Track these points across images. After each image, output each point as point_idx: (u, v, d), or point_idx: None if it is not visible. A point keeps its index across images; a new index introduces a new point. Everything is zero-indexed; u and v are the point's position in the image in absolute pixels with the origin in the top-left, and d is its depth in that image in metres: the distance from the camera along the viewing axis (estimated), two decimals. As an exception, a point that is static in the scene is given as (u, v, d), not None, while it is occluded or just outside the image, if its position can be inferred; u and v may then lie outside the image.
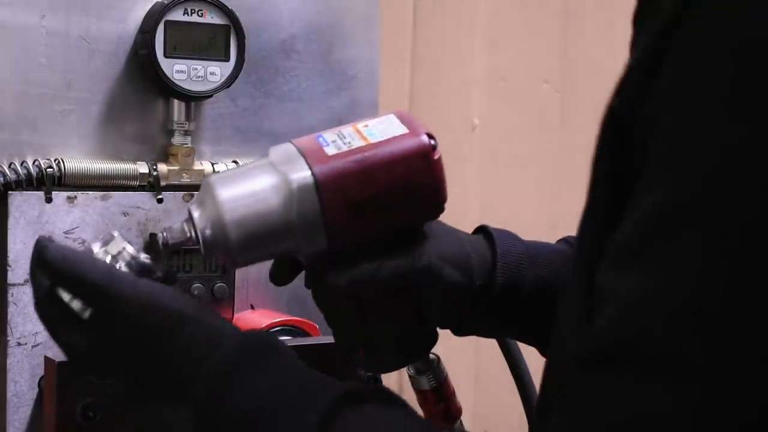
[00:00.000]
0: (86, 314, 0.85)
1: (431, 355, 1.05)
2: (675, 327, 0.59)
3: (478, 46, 1.98)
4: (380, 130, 0.93)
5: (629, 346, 0.61)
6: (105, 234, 0.90)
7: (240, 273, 1.26)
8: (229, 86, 1.24)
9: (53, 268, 0.84)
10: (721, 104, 0.60)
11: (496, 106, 2.00)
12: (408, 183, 0.91)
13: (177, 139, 1.24)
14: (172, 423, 1.01)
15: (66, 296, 0.85)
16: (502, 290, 0.97)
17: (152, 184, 1.23)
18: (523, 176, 2.04)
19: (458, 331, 1.02)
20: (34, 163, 1.18)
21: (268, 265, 1.00)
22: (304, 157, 0.90)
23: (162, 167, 1.24)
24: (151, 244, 0.94)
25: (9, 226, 1.16)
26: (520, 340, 1.12)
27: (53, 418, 1.07)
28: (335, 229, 0.89)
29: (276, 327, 1.23)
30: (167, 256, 0.93)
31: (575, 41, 2.05)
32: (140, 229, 1.22)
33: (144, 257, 0.88)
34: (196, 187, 1.25)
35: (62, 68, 1.20)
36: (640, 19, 0.72)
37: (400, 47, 1.90)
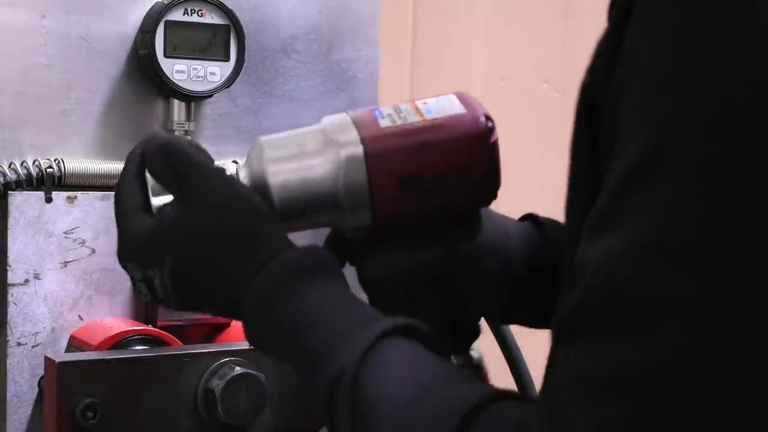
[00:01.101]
0: (161, 200, 0.86)
1: (474, 353, 1.02)
2: (648, 270, 0.59)
3: (478, 46, 1.98)
4: (438, 109, 0.91)
5: (603, 307, 0.60)
6: None
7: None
8: (229, 86, 1.24)
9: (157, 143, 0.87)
10: (675, 58, 0.61)
11: (496, 106, 2.00)
12: (461, 165, 0.88)
13: (177, 139, 1.24)
14: (172, 423, 1.01)
15: (150, 181, 0.87)
16: (548, 279, 0.95)
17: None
18: (523, 176, 2.04)
19: (503, 320, 1.00)
20: (34, 163, 1.18)
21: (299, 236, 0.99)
22: (356, 127, 0.88)
23: (162, 167, 1.24)
24: None
25: (9, 226, 1.16)
26: None
27: (53, 418, 1.07)
28: (381, 205, 0.87)
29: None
30: None
31: (575, 41, 2.05)
32: (140, 229, 1.22)
33: None
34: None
35: (62, 68, 1.20)
36: (609, 12, 0.74)
37: (400, 47, 1.90)
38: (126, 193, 0.88)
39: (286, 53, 1.31)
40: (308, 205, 0.88)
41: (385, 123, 0.88)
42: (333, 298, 0.80)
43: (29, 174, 1.17)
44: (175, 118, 1.24)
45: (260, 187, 0.87)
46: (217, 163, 1.20)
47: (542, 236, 0.98)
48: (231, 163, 1.28)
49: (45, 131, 1.19)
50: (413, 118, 0.89)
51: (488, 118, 0.90)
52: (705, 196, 0.58)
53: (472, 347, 1.01)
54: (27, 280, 1.16)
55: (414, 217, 0.89)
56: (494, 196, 0.92)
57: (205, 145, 1.27)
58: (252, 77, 1.29)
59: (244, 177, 0.88)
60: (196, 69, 1.22)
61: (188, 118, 1.24)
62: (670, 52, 0.61)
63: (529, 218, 1.00)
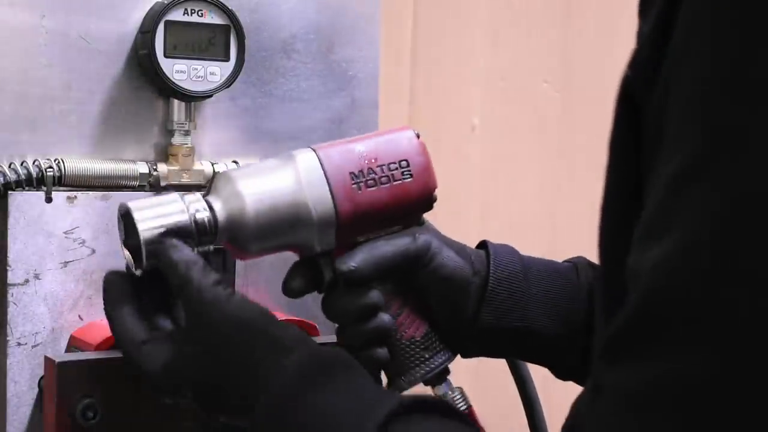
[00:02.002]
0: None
1: (454, 387, 1.09)
2: (706, 275, 0.56)
3: (478, 46, 1.98)
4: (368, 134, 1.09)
5: (665, 314, 0.57)
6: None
7: (240, 274, 1.26)
8: (229, 86, 1.24)
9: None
10: (734, 51, 0.58)
11: (496, 106, 2.00)
12: (400, 159, 1.04)
13: (177, 139, 1.24)
14: (172, 423, 1.02)
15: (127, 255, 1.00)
16: (495, 286, 1.04)
17: (152, 184, 1.23)
18: (523, 176, 2.04)
19: (465, 353, 1.05)
20: (34, 163, 1.18)
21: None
22: (309, 147, 1.04)
23: (162, 167, 1.24)
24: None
25: (9, 226, 1.16)
26: (520, 356, 1.13)
27: (53, 418, 1.07)
28: (341, 200, 1.01)
29: None
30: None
31: (575, 41, 2.05)
32: (140, 229, 1.22)
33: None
34: (196, 188, 1.25)
35: (62, 68, 1.20)
36: (644, 7, 0.71)
37: (400, 47, 1.90)
38: (125, 331, 0.97)
39: (286, 53, 1.31)
40: (281, 215, 1.00)
41: (329, 143, 1.06)
42: (331, 407, 0.83)
43: (29, 174, 1.17)
44: (175, 118, 1.24)
45: (237, 211, 0.99)
46: (218, 162, 1.21)
47: (487, 252, 1.08)
48: (231, 163, 1.28)
49: (45, 131, 1.19)
50: (348, 138, 1.07)
51: (413, 129, 1.09)
52: (756, 199, 0.56)
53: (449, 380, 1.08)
54: (27, 280, 1.16)
55: (371, 215, 1.02)
56: (433, 194, 1.06)
57: (205, 145, 1.27)
58: (252, 77, 1.29)
59: (219, 209, 0.99)
60: (196, 69, 1.22)
61: (188, 118, 1.24)
62: (724, 53, 0.58)
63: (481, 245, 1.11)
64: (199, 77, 1.23)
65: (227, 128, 1.29)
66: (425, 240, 1.04)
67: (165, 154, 1.25)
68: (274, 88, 1.31)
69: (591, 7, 2.04)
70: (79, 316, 1.19)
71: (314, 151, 1.03)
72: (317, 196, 1.00)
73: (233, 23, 1.24)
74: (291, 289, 1.04)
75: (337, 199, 1.01)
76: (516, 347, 1.08)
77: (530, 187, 2.04)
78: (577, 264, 1.10)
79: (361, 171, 1.03)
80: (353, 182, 1.02)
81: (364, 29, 1.36)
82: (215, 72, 1.23)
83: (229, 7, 1.23)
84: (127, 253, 1.02)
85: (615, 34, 2.08)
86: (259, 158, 1.30)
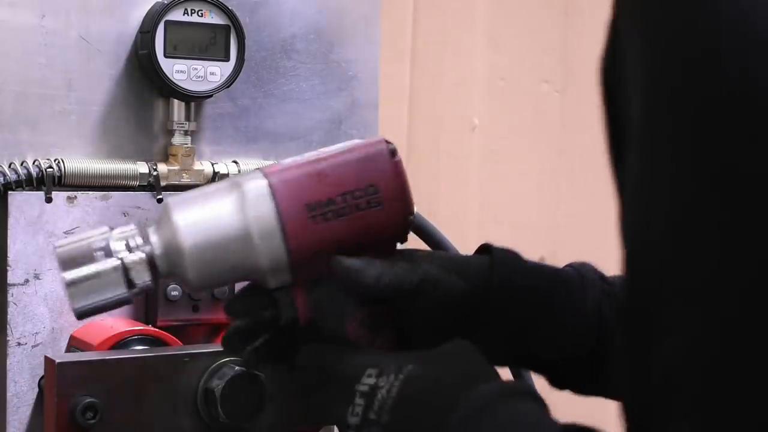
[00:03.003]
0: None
1: None
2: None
3: (478, 46, 1.98)
4: (339, 146, 0.91)
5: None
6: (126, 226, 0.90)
7: (240, 273, 1.26)
8: (229, 86, 1.24)
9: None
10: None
11: (496, 106, 2.00)
12: (368, 184, 0.88)
13: (177, 139, 1.24)
14: (172, 423, 1.01)
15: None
16: (499, 294, 0.94)
17: (152, 184, 1.23)
18: (523, 176, 2.04)
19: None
20: (34, 163, 1.18)
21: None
22: (259, 170, 0.89)
23: (162, 167, 1.24)
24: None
25: (9, 226, 1.15)
26: (519, 364, 1.10)
27: (53, 418, 1.07)
28: (293, 236, 0.87)
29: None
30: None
31: (575, 41, 2.05)
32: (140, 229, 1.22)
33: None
34: (196, 188, 1.25)
35: (62, 68, 1.20)
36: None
37: (400, 47, 1.90)
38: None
39: (286, 53, 1.31)
40: (222, 251, 0.87)
41: (286, 163, 0.90)
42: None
43: (29, 174, 1.17)
44: (175, 118, 1.24)
45: (173, 245, 0.87)
46: (218, 162, 1.21)
47: (491, 255, 0.95)
48: (231, 163, 1.28)
49: (45, 131, 1.19)
50: (315, 155, 0.90)
51: (388, 142, 0.90)
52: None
53: None
54: (27, 280, 1.16)
55: (330, 251, 0.88)
56: (409, 221, 0.91)
57: (206, 144, 1.27)
58: (252, 77, 1.29)
59: (155, 241, 0.88)
60: (196, 69, 1.22)
61: (188, 118, 1.24)
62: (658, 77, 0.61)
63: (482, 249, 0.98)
64: (199, 77, 1.23)
65: (227, 128, 1.29)
66: (426, 270, 0.91)
67: (165, 154, 1.25)
68: (274, 88, 1.31)
69: (591, 6, 2.03)
70: (79, 316, 1.19)
71: (265, 177, 0.88)
72: (264, 231, 0.86)
73: (233, 23, 1.24)
74: (234, 311, 0.92)
75: (288, 234, 0.87)
76: (511, 364, 1.06)
77: (530, 187, 2.04)
78: (584, 276, 1.04)
79: (318, 201, 0.87)
80: (309, 215, 0.87)
81: (364, 29, 1.36)
82: (215, 72, 1.23)
83: (229, 7, 1.23)
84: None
85: (615, 34, 2.08)
86: (259, 158, 1.30)
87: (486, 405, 0.79)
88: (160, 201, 1.23)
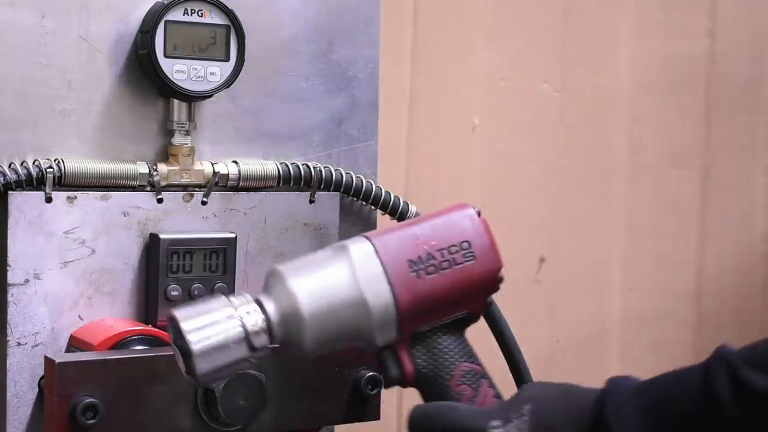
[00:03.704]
0: None
1: None
2: None
3: (478, 46, 1.98)
4: (429, 214, 1.01)
5: None
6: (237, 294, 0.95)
7: (240, 273, 1.26)
8: (229, 86, 1.24)
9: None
10: None
11: (496, 106, 2.00)
12: (462, 240, 0.98)
13: (177, 139, 1.24)
14: (172, 423, 1.01)
15: None
16: None
17: (152, 184, 1.23)
18: (523, 176, 2.04)
19: None
20: (34, 163, 1.18)
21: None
22: (362, 235, 0.97)
23: (162, 167, 1.24)
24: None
25: (9, 226, 1.15)
26: None
27: (53, 418, 1.07)
28: (400, 291, 0.94)
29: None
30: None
31: (575, 41, 2.05)
32: (140, 229, 1.22)
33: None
34: (196, 187, 1.25)
35: (62, 68, 1.20)
36: None
37: (400, 47, 1.90)
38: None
39: (286, 53, 1.31)
40: (338, 314, 0.94)
41: (383, 229, 0.99)
42: None
43: (29, 174, 1.17)
44: (175, 118, 1.24)
45: (292, 313, 0.94)
46: (217, 162, 1.21)
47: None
48: (231, 163, 1.28)
49: (45, 131, 1.19)
50: (408, 221, 1.01)
51: (473, 207, 1.01)
52: None
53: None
54: (27, 280, 1.16)
55: (433, 303, 0.96)
56: (498, 276, 0.99)
57: (206, 144, 1.27)
58: (252, 77, 1.29)
59: (272, 311, 0.94)
60: (196, 69, 1.22)
61: (188, 118, 1.24)
62: None
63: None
64: (199, 77, 1.23)
65: (227, 128, 1.29)
66: None
67: (165, 154, 1.25)
68: (274, 88, 1.31)
69: (591, 7, 2.03)
70: (79, 316, 1.19)
71: (368, 239, 0.96)
72: (375, 290, 0.94)
73: (233, 23, 1.24)
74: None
75: (396, 290, 0.95)
76: None
77: (530, 187, 2.04)
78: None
79: (419, 257, 0.96)
80: (412, 270, 0.95)
81: (364, 29, 1.36)
82: (215, 72, 1.23)
83: (229, 7, 1.23)
84: (179, 355, 0.96)
85: (615, 34, 2.08)
86: (259, 158, 1.30)
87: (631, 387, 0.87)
88: (160, 201, 1.23)
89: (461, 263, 0.97)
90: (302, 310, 0.93)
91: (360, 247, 0.96)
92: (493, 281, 0.99)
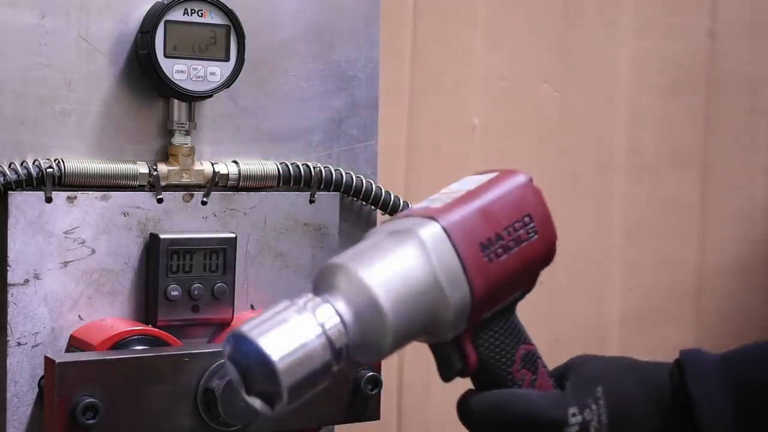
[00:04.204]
0: None
1: None
2: None
3: (478, 46, 1.98)
4: (469, 182, 0.92)
5: None
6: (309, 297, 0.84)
7: (240, 273, 1.26)
8: (229, 86, 1.24)
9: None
10: None
11: (496, 106, 2.00)
12: (524, 215, 0.90)
13: (177, 139, 1.24)
14: (172, 423, 1.01)
15: None
16: None
17: (152, 184, 1.23)
18: (523, 176, 2.04)
19: None
20: (34, 163, 1.18)
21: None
22: (420, 215, 0.88)
23: (162, 167, 1.24)
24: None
25: (9, 226, 1.15)
26: None
27: (53, 418, 1.07)
28: (474, 275, 0.86)
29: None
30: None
31: (575, 41, 2.05)
32: (140, 229, 1.22)
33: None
34: (196, 187, 1.25)
35: (62, 68, 1.20)
36: None
37: (400, 47, 1.90)
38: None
39: (286, 53, 1.31)
40: (417, 307, 0.85)
41: (438, 204, 0.89)
42: None
43: (29, 174, 1.17)
44: (175, 118, 1.24)
45: (368, 308, 0.83)
46: (218, 162, 1.21)
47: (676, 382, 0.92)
48: (231, 163, 1.28)
49: (45, 131, 1.19)
50: (459, 194, 0.90)
51: (523, 172, 0.93)
52: None
53: None
54: (27, 280, 1.16)
55: (502, 287, 0.89)
56: (555, 244, 0.93)
57: (206, 144, 1.27)
58: (252, 77, 1.29)
59: (345, 311, 0.83)
60: (196, 69, 1.22)
61: (188, 118, 1.24)
62: None
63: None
64: (199, 77, 1.23)
65: (227, 128, 1.29)
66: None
67: (165, 154, 1.25)
68: (274, 88, 1.31)
69: (591, 7, 2.03)
70: (79, 316, 1.19)
71: (437, 221, 0.86)
72: (452, 279, 0.85)
73: (233, 23, 1.24)
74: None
75: (471, 278, 0.86)
76: None
77: (530, 187, 2.04)
78: None
79: (489, 239, 0.88)
80: (484, 255, 0.87)
81: (364, 29, 1.36)
82: (215, 72, 1.23)
83: (229, 7, 1.23)
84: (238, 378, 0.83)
85: (615, 34, 2.08)
86: (259, 158, 1.30)
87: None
88: (160, 201, 1.23)
89: (526, 240, 0.90)
90: (382, 305, 0.83)
91: (431, 232, 0.86)
92: (551, 254, 0.94)
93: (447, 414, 1.81)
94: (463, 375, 0.92)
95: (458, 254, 0.86)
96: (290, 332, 0.81)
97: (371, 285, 0.83)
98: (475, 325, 0.90)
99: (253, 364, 0.81)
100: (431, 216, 0.87)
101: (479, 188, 0.91)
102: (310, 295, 0.84)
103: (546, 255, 0.93)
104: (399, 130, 1.91)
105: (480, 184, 0.91)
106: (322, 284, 0.85)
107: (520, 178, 0.92)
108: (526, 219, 0.91)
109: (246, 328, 0.81)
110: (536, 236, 0.91)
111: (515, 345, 0.92)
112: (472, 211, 0.88)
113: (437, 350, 0.91)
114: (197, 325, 1.24)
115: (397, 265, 0.84)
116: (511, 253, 0.89)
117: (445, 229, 0.86)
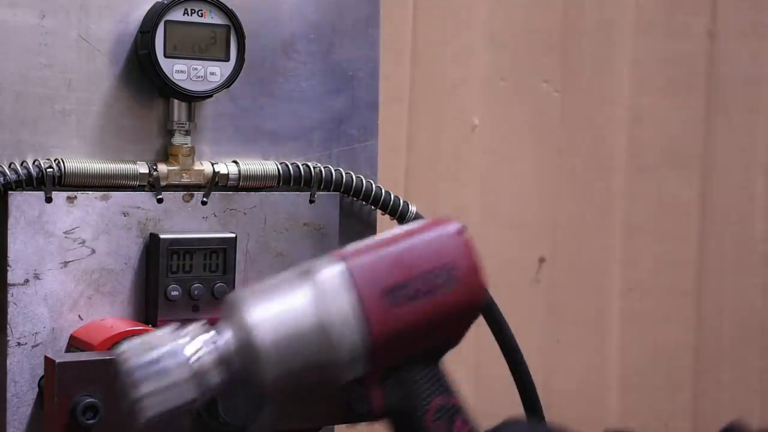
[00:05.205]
0: None
1: None
2: None
3: (478, 46, 1.98)
4: (407, 226, 0.91)
5: None
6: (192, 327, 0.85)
7: (240, 273, 1.26)
8: (229, 86, 1.24)
9: None
10: None
11: (496, 106, 2.00)
12: (445, 263, 0.87)
13: (177, 139, 1.24)
14: (172, 423, 1.01)
15: None
16: None
17: (152, 184, 1.23)
18: (523, 176, 2.04)
19: None
20: (34, 163, 1.18)
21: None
22: (335, 255, 0.87)
23: (162, 167, 1.24)
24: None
25: (9, 226, 1.15)
26: None
27: (53, 418, 1.07)
28: (374, 321, 0.84)
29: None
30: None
31: (575, 41, 2.05)
32: (140, 229, 1.22)
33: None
34: (196, 187, 1.25)
35: (62, 68, 1.20)
36: None
37: (400, 47, 1.90)
38: None
39: (286, 53, 1.31)
40: (301, 346, 0.84)
41: (359, 245, 0.88)
42: None
43: (29, 174, 1.17)
44: (175, 118, 1.24)
45: (248, 344, 0.84)
46: (218, 162, 1.20)
47: None
48: (231, 163, 1.28)
49: (45, 131, 1.19)
50: (386, 236, 0.89)
51: (458, 221, 0.90)
52: None
53: None
54: (27, 280, 1.16)
55: (408, 336, 0.86)
56: (480, 301, 0.90)
57: (206, 144, 1.27)
58: (252, 77, 1.29)
59: (228, 339, 0.84)
60: (196, 69, 1.22)
61: (188, 118, 1.24)
62: None
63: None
64: (199, 77, 1.23)
65: (227, 128, 1.29)
66: None
67: (165, 154, 1.25)
68: (274, 88, 1.31)
69: (591, 7, 2.04)
70: (79, 316, 1.19)
71: (340, 262, 0.85)
72: (344, 321, 0.84)
73: (233, 23, 1.24)
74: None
75: (368, 322, 0.84)
76: None
77: (529, 187, 2.04)
78: None
79: (396, 284, 0.85)
80: (387, 299, 0.85)
81: (364, 29, 1.36)
82: (215, 72, 1.23)
83: (229, 7, 1.23)
84: None
85: (615, 34, 2.08)
86: (259, 158, 1.30)
87: None
88: (160, 201, 1.23)
89: (442, 290, 0.87)
90: (257, 341, 0.83)
91: (330, 271, 0.85)
92: (475, 308, 0.90)
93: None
94: (369, 419, 0.90)
95: (355, 296, 0.84)
96: (159, 360, 0.83)
97: (251, 320, 0.83)
98: (386, 370, 0.88)
99: (122, 387, 0.84)
100: (341, 257, 0.86)
101: (403, 234, 0.89)
102: (203, 326, 0.85)
103: (469, 308, 0.89)
104: (399, 130, 1.91)
105: (407, 229, 0.90)
106: (222, 315, 0.86)
107: (449, 228, 0.89)
108: (446, 268, 0.87)
109: (128, 348, 0.84)
110: (456, 287, 0.87)
111: (429, 396, 0.90)
112: (384, 255, 0.87)
113: (343, 391, 0.89)
114: (197, 325, 1.24)
115: (284, 304, 0.84)
116: (421, 301, 0.86)
117: (348, 271, 0.85)
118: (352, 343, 0.84)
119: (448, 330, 0.89)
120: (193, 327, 0.86)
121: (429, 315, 0.87)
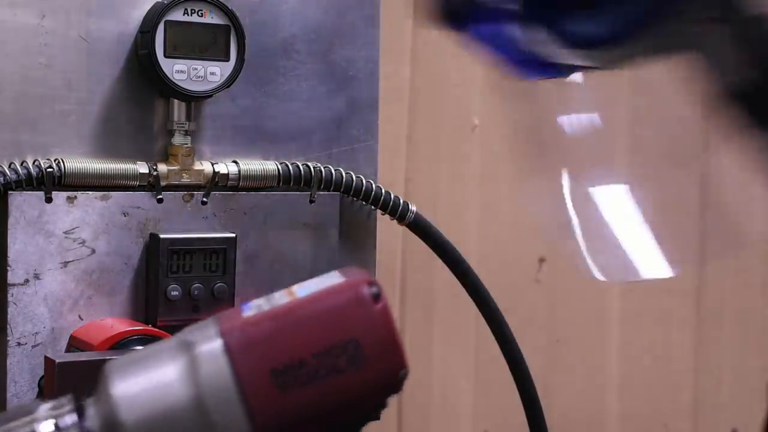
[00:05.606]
0: None
1: None
2: None
3: (478, 46, 1.98)
4: (314, 285, 0.76)
5: None
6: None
7: (240, 273, 1.26)
8: (229, 86, 1.24)
9: None
10: None
11: (496, 105, 2.00)
12: (347, 339, 0.73)
13: (177, 139, 1.24)
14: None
15: None
16: None
17: (152, 184, 1.23)
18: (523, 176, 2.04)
19: None
20: (34, 163, 1.18)
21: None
22: (215, 323, 0.74)
23: (162, 167, 1.24)
24: None
25: (9, 226, 1.16)
26: None
27: (53, 418, 1.07)
28: (258, 409, 0.72)
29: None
30: None
31: (575, 41, 2.05)
32: (140, 229, 1.22)
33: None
34: (196, 187, 1.25)
35: (62, 68, 1.20)
36: None
37: (400, 47, 1.90)
38: None
39: (286, 53, 1.31)
40: (170, 428, 0.73)
41: (249, 313, 0.75)
42: None
43: (29, 174, 1.17)
44: (175, 118, 1.24)
45: (112, 422, 0.75)
46: (218, 162, 1.21)
47: None
48: (231, 163, 1.28)
49: (45, 131, 1.19)
50: (283, 301, 0.75)
51: (372, 283, 0.74)
52: None
53: None
54: (27, 280, 1.16)
55: (306, 418, 0.74)
56: (398, 381, 0.75)
57: (206, 144, 1.27)
58: (252, 77, 1.29)
59: (92, 416, 0.76)
60: (196, 69, 1.22)
61: (188, 118, 1.24)
62: None
63: None
64: (199, 77, 1.23)
65: (227, 128, 1.29)
66: None
67: (165, 154, 1.25)
68: (274, 88, 1.31)
69: (591, 7, 2.03)
70: (79, 316, 1.19)
71: (221, 336, 0.73)
72: (222, 403, 0.72)
73: (233, 23, 1.24)
74: None
75: (252, 408, 0.72)
76: None
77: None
78: None
79: (286, 366, 0.72)
80: (276, 382, 0.72)
81: (364, 29, 1.36)
82: (215, 72, 1.23)
83: (229, 7, 1.23)
84: None
85: (615, 34, 2.08)
86: (259, 158, 1.30)
87: None
88: (160, 201, 1.23)
89: (343, 370, 0.73)
90: (121, 420, 0.74)
91: (208, 348, 0.73)
92: (390, 385, 0.75)
93: (447, 414, 1.82)
94: None
95: (236, 378, 0.72)
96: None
97: (116, 396, 0.75)
98: None
99: None
100: (221, 329, 0.74)
101: (304, 300, 0.75)
102: (66, 401, 0.79)
103: (380, 388, 0.75)
104: (399, 130, 1.91)
105: (312, 292, 0.76)
106: (97, 384, 0.79)
107: (358, 293, 0.74)
108: (351, 344, 0.73)
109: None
110: (364, 365, 0.73)
111: None
112: (272, 327, 0.74)
113: None
114: (197, 325, 1.24)
115: (155, 381, 0.74)
116: (319, 383, 0.73)
117: (227, 348, 0.73)
118: (235, 427, 0.73)
119: (358, 411, 0.76)
120: (55, 404, 0.78)
121: (329, 398, 0.74)
